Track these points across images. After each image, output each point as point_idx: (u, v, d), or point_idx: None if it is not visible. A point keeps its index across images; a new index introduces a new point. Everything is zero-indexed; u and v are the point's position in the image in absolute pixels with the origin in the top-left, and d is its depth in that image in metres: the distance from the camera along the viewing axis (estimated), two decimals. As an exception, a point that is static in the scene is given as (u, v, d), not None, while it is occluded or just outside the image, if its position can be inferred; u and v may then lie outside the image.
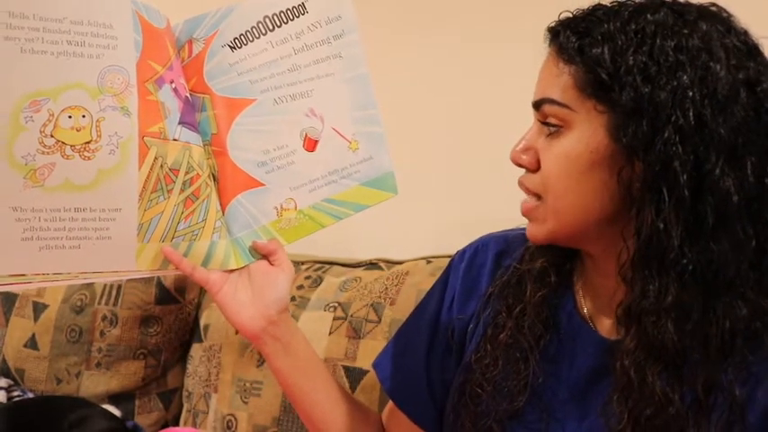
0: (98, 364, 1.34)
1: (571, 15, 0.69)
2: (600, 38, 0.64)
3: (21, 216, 0.67)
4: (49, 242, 0.68)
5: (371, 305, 1.15)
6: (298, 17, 0.81)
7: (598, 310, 0.75)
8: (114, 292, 1.35)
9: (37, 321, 1.38)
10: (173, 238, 0.75)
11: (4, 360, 1.39)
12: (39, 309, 1.38)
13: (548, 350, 0.75)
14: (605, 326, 0.74)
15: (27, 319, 1.39)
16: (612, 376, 0.68)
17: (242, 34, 0.80)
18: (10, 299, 1.41)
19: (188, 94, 0.78)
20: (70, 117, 0.67)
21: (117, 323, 1.34)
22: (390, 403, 0.89)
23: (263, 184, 0.80)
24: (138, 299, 1.34)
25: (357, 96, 0.83)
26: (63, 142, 0.67)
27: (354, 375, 1.11)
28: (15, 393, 1.33)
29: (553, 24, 0.69)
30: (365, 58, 0.83)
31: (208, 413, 1.28)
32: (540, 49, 0.72)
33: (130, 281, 1.34)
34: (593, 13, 0.67)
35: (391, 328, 1.10)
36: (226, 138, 0.79)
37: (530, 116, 0.73)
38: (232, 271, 0.80)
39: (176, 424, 1.36)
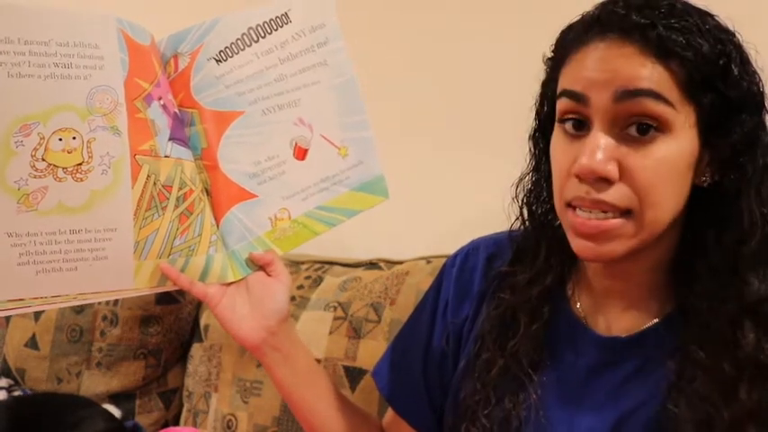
0: (98, 364, 1.34)
1: (640, 7, 0.63)
2: (702, 34, 0.62)
3: (16, 241, 0.67)
4: (45, 265, 0.69)
5: (371, 305, 1.15)
6: (281, 27, 0.82)
7: (593, 309, 0.74)
8: (115, 292, 1.35)
9: (37, 321, 1.38)
10: (169, 254, 0.76)
11: (4, 360, 1.39)
12: (39, 309, 1.38)
13: (545, 365, 0.74)
14: (600, 324, 0.73)
15: (27, 319, 1.39)
16: (615, 370, 0.70)
17: (227, 47, 0.80)
18: (10, 299, 1.41)
19: (176, 110, 0.78)
20: (61, 139, 0.68)
21: (117, 323, 1.34)
22: (391, 410, 0.90)
23: (255, 196, 0.81)
24: (139, 299, 1.34)
25: (344, 102, 0.84)
26: (55, 165, 0.68)
27: (354, 375, 1.11)
28: (16, 393, 1.33)
29: (638, 17, 0.62)
30: (351, 64, 0.84)
31: (208, 413, 1.28)
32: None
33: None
34: (673, 6, 0.63)
35: (391, 327, 1.10)
36: (216, 151, 0.80)
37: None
38: (230, 284, 0.81)
39: (177, 423, 1.36)
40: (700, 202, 0.66)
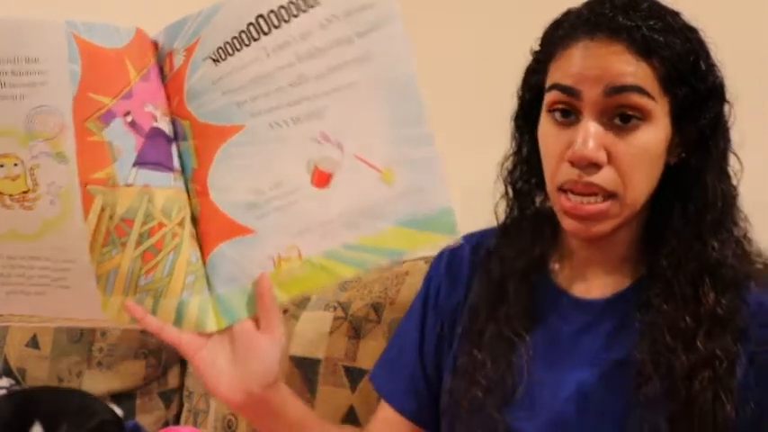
0: (99, 364, 1.34)
1: (625, 9, 0.69)
2: (673, 34, 0.69)
3: None
4: (14, 287, 0.65)
5: (371, 305, 1.15)
6: (304, 11, 0.63)
7: (574, 277, 0.80)
8: (115, 292, 1.36)
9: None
10: (136, 292, 0.65)
11: (5, 360, 1.40)
12: (40, 308, 1.38)
13: (533, 329, 0.78)
14: (580, 289, 0.79)
15: (28, 319, 1.39)
16: (597, 329, 0.76)
17: (227, 42, 0.64)
18: (11, 299, 1.41)
19: (156, 125, 0.66)
20: (2, 166, 0.62)
21: (118, 323, 1.34)
22: (382, 413, 0.89)
23: (251, 231, 0.66)
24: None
25: (395, 109, 0.63)
26: (1, 192, 0.63)
27: (354, 375, 1.11)
28: (14, 390, 1.33)
29: (624, 20, 0.69)
30: (411, 57, 0.62)
31: (208, 412, 1.28)
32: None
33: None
34: (652, 7, 0.70)
35: (391, 328, 1.10)
36: (207, 175, 0.66)
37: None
38: (211, 333, 0.68)
39: (177, 423, 1.36)
40: (668, 178, 0.73)
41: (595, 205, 0.70)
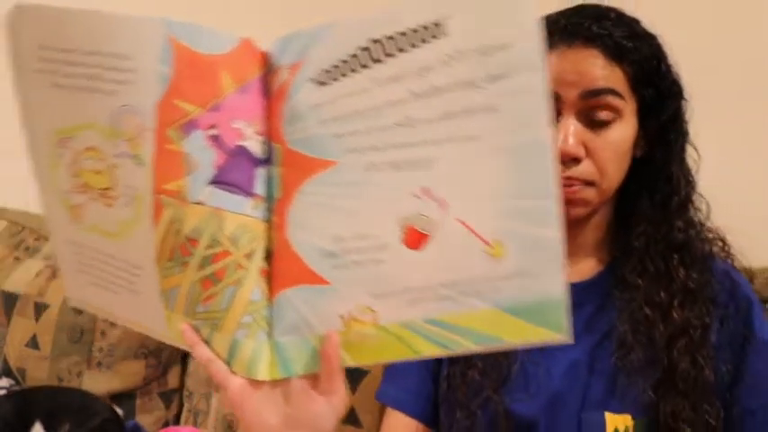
0: (99, 364, 1.34)
1: (597, 18, 0.76)
2: (641, 39, 0.76)
3: (73, 248, 0.65)
4: (96, 280, 0.65)
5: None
6: (427, 42, 0.53)
7: None
8: (115, 292, 1.36)
9: (38, 321, 1.38)
10: (194, 317, 0.61)
11: (5, 360, 1.40)
12: (40, 308, 1.39)
13: None
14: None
15: (28, 319, 1.39)
16: (580, 311, 0.78)
17: (335, 65, 0.56)
18: (11, 299, 1.41)
19: (243, 143, 0.59)
20: (89, 159, 0.61)
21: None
22: (392, 422, 0.89)
23: (326, 282, 0.58)
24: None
25: (519, 176, 0.53)
26: (88, 184, 0.61)
27: (355, 376, 1.11)
28: (15, 389, 1.33)
29: (597, 29, 0.75)
30: (546, 115, 0.52)
31: (209, 413, 1.28)
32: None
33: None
34: (620, 17, 0.77)
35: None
36: (287, 209, 0.59)
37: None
38: (262, 382, 0.60)
39: (177, 423, 1.36)
40: (634, 168, 0.80)
41: (578, 193, 0.76)
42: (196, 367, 1.33)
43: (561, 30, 0.75)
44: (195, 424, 1.31)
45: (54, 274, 1.41)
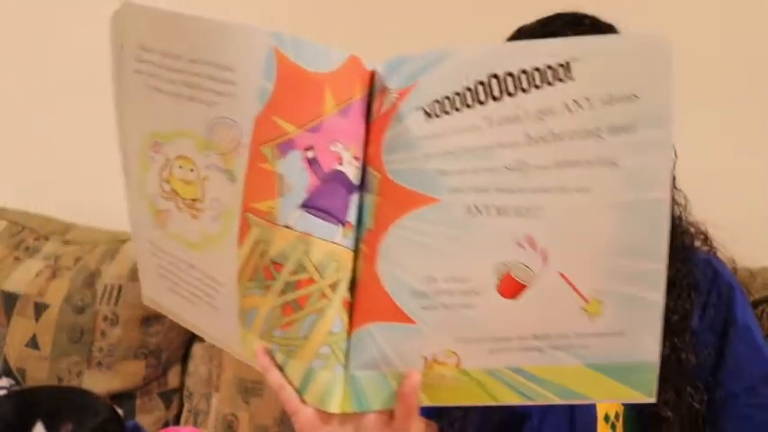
0: (99, 364, 1.34)
1: (572, 25, 0.77)
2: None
3: (154, 251, 0.64)
4: (174, 286, 0.64)
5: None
6: (550, 84, 0.50)
7: None
8: (116, 293, 1.35)
9: (38, 321, 1.37)
10: (270, 341, 0.59)
11: (5, 360, 1.39)
12: (40, 308, 1.38)
13: None
14: None
15: (28, 319, 1.38)
16: None
17: (447, 97, 0.53)
18: (11, 299, 1.41)
19: (340, 168, 0.56)
20: (181, 167, 0.59)
21: (118, 323, 1.34)
22: None
23: (412, 322, 0.56)
24: (139, 299, 1.32)
25: (630, 235, 0.51)
26: (176, 192, 0.60)
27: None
28: (16, 389, 1.33)
29: (572, 35, 0.75)
30: (669, 177, 0.51)
31: (209, 413, 1.29)
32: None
33: (131, 280, 1.35)
34: (594, 23, 0.78)
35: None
36: (379, 241, 0.56)
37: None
38: (332, 414, 0.59)
39: (177, 423, 1.36)
40: None
41: None
42: (196, 367, 1.33)
43: (538, 38, 0.77)
44: (195, 424, 1.31)
45: (54, 274, 1.41)
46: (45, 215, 1.55)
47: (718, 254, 0.85)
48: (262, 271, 0.57)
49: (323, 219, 0.56)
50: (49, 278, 1.40)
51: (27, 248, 1.48)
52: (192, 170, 0.58)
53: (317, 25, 1.35)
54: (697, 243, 0.83)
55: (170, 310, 0.67)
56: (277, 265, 0.56)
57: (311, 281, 0.57)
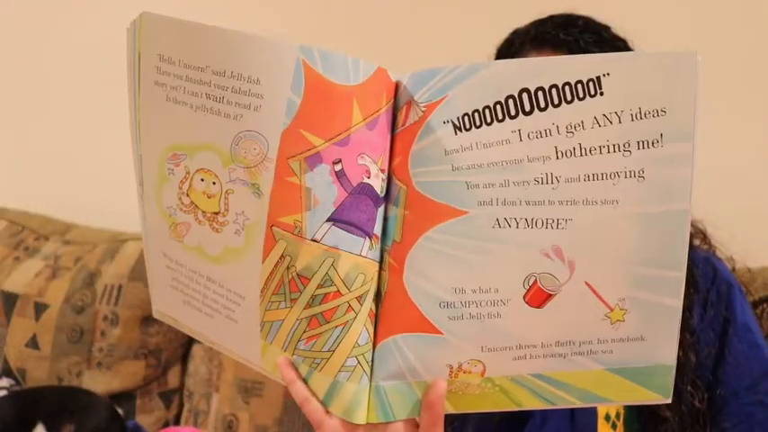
0: (99, 364, 1.34)
1: (564, 26, 0.79)
2: (606, 45, 0.79)
3: (168, 263, 0.64)
4: (189, 299, 0.64)
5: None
6: (580, 100, 0.52)
7: None
8: (115, 293, 1.35)
9: (38, 321, 1.37)
10: (294, 353, 0.60)
11: (5, 360, 1.39)
12: (40, 309, 1.38)
13: None
14: None
15: (28, 319, 1.38)
16: None
17: (477, 111, 0.53)
18: (11, 299, 1.41)
19: (368, 181, 0.57)
20: (202, 180, 0.58)
21: (118, 323, 1.34)
22: None
23: (439, 333, 0.56)
24: (139, 299, 1.34)
25: (652, 245, 0.53)
26: (196, 205, 0.59)
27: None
28: (16, 390, 1.33)
29: (564, 35, 0.78)
30: (690, 189, 0.52)
31: (209, 413, 1.29)
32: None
33: (131, 280, 1.35)
34: (588, 24, 0.80)
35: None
36: (407, 253, 0.57)
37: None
38: (358, 426, 0.59)
39: (177, 423, 1.36)
40: None
41: None
42: (196, 367, 1.33)
43: (532, 39, 0.81)
44: (195, 424, 1.31)
45: (54, 274, 1.41)
46: (45, 215, 1.55)
47: (717, 252, 0.85)
48: (287, 284, 0.57)
49: (351, 232, 0.56)
50: (48, 278, 1.40)
51: (27, 248, 1.48)
52: (214, 183, 0.58)
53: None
54: (696, 242, 0.84)
55: (183, 324, 0.67)
56: (303, 278, 0.57)
57: (338, 294, 0.57)
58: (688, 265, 0.78)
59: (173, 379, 1.38)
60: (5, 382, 1.34)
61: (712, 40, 1.13)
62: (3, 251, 1.47)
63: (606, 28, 0.81)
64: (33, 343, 1.37)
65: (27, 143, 1.68)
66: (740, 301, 0.81)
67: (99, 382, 1.34)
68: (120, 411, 1.26)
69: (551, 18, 0.82)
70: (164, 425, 1.36)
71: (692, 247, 0.82)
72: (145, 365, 1.35)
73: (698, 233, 0.85)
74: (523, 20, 0.85)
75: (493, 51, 0.87)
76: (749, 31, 1.13)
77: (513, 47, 0.84)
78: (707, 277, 0.81)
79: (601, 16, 0.82)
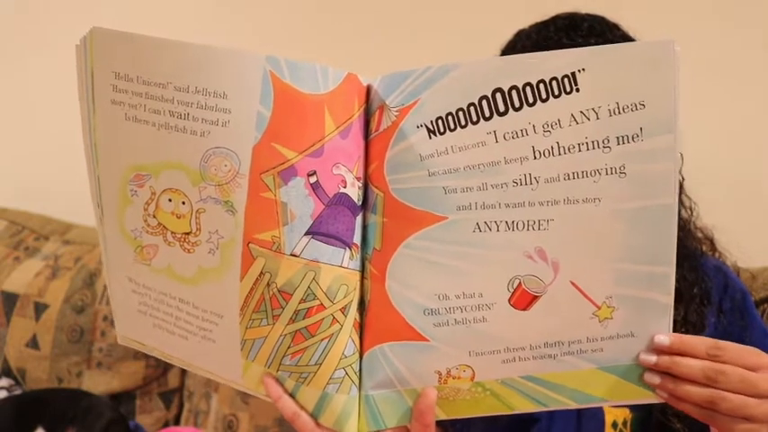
0: (99, 364, 1.34)
1: (567, 29, 0.76)
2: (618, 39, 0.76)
3: (135, 288, 0.62)
4: (160, 322, 0.62)
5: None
6: (555, 97, 0.51)
7: None
8: (115, 292, 1.36)
9: (38, 321, 1.38)
10: (278, 369, 0.59)
11: (5, 360, 1.39)
12: (40, 309, 1.38)
13: None
14: None
15: (28, 319, 1.39)
16: None
17: (451, 114, 0.52)
18: (11, 299, 1.41)
19: (344, 191, 0.56)
20: (170, 200, 0.56)
21: (118, 323, 1.34)
22: None
23: (425, 340, 0.56)
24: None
25: (637, 241, 0.52)
26: (164, 226, 0.58)
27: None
28: (17, 393, 1.33)
29: (567, 40, 0.75)
30: (676, 183, 0.51)
31: (209, 413, 1.29)
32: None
33: (131, 281, 1.34)
34: (592, 27, 0.76)
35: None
36: (387, 262, 0.56)
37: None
38: None
39: (177, 423, 1.36)
40: None
41: None
42: (196, 367, 1.33)
43: (534, 44, 0.76)
44: (195, 424, 1.31)
45: (54, 274, 1.41)
46: (45, 215, 1.55)
47: (722, 258, 0.84)
48: (269, 301, 0.56)
49: (330, 244, 0.55)
50: (48, 278, 1.40)
51: (27, 248, 1.48)
52: (183, 203, 0.56)
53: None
54: (704, 248, 0.82)
55: (154, 348, 0.65)
56: (285, 294, 0.56)
57: (322, 307, 0.56)
58: (700, 276, 0.77)
59: (173, 379, 1.38)
60: (5, 382, 1.34)
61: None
62: (3, 251, 1.48)
63: (614, 27, 0.76)
64: (33, 343, 1.37)
65: (27, 143, 1.68)
66: (753, 308, 0.79)
67: (99, 383, 1.34)
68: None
69: (554, 20, 0.78)
70: (164, 425, 1.36)
71: (701, 254, 0.81)
72: (145, 365, 1.35)
73: (705, 240, 0.83)
74: (525, 20, 0.82)
75: (496, 52, 0.86)
76: (756, 33, 1.12)
77: (515, 51, 0.80)
78: (719, 286, 0.79)
79: (609, 14, 0.79)
